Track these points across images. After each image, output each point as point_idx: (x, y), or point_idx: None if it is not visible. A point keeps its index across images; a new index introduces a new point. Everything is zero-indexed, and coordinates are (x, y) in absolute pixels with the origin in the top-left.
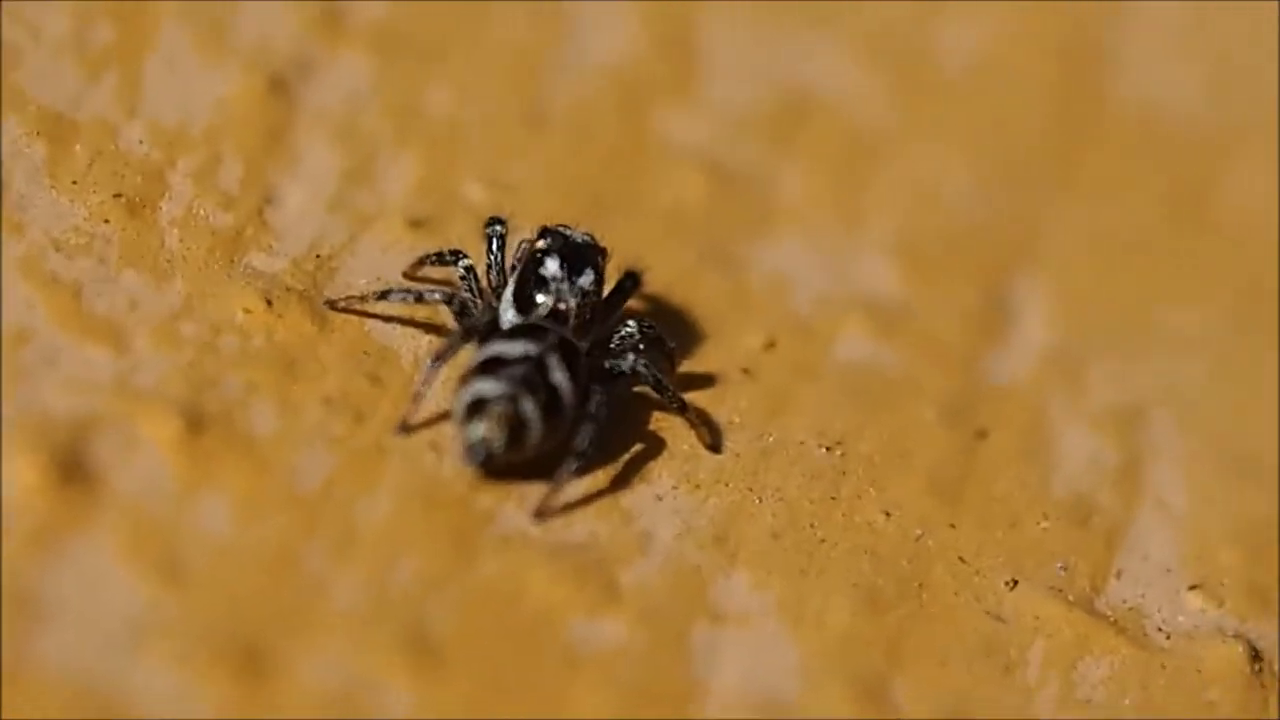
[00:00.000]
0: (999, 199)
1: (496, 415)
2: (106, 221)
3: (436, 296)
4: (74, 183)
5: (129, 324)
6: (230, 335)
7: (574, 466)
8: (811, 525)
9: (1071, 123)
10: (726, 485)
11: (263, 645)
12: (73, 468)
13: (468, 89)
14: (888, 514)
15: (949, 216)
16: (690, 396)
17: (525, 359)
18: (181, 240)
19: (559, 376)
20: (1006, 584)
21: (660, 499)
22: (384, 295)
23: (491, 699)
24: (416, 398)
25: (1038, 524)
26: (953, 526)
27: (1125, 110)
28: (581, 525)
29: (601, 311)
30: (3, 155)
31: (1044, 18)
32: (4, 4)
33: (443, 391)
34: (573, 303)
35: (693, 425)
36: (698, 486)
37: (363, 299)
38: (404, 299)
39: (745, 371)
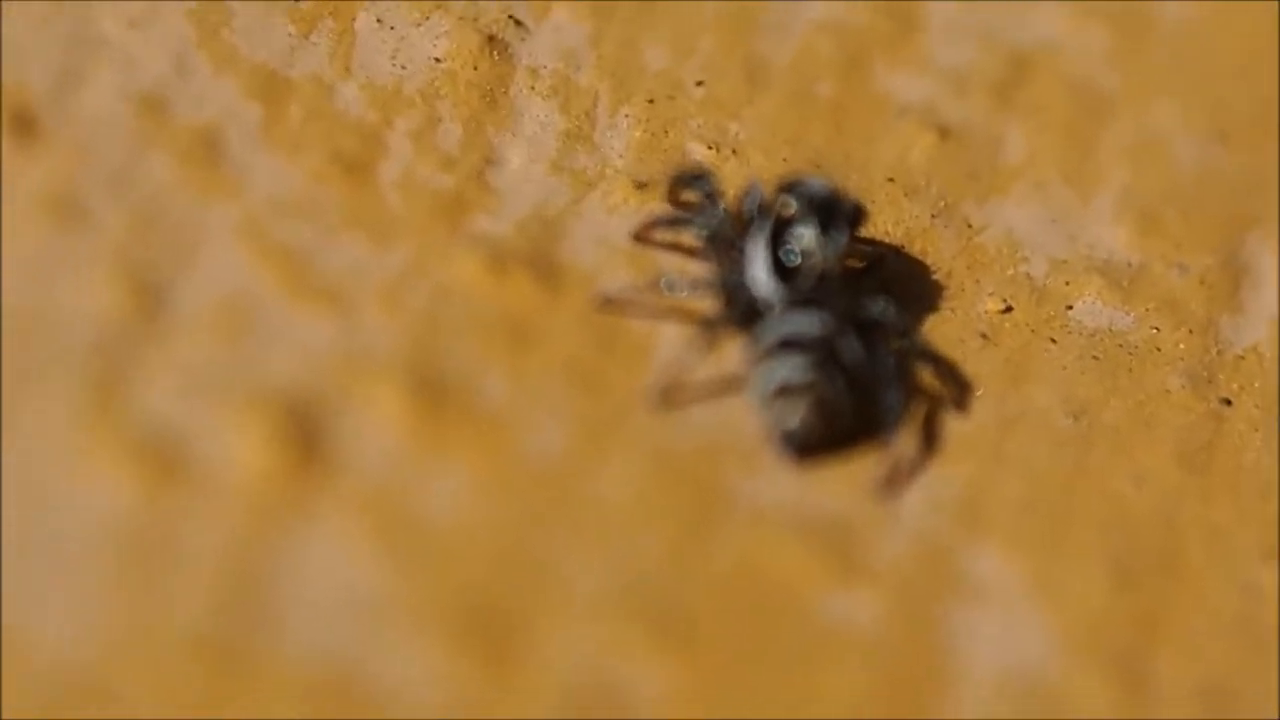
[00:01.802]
0: (1227, 156)
1: (809, 401)
2: (325, 184)
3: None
4: (289, 143)
5: (353, 290)
6: (457, 301)
7: (898, 434)
8: (1060, 498)
9: None
10: (971, 456)
11: (505, 623)
12: (303, 440)
13: (685, 46)
14: (1137, 485)
15: (1178, 175)
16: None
17: (820, 336)
18: (403, 202)
19: (854, 351)
20: (1262, 557)
21: (905, 470)
22: (661, 286)
23: (739, 677)
24: (674, 377)
25: None
26: (1204, 498)
27: None
28: (827, 499)
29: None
30: (217, 114)
31: None
32: None
33: (672, 351)
34: (834, 266)
35: (940, 381)
36: (943, 457)
37: (635, 293)
38: (681, 286)
39: (984, 337)
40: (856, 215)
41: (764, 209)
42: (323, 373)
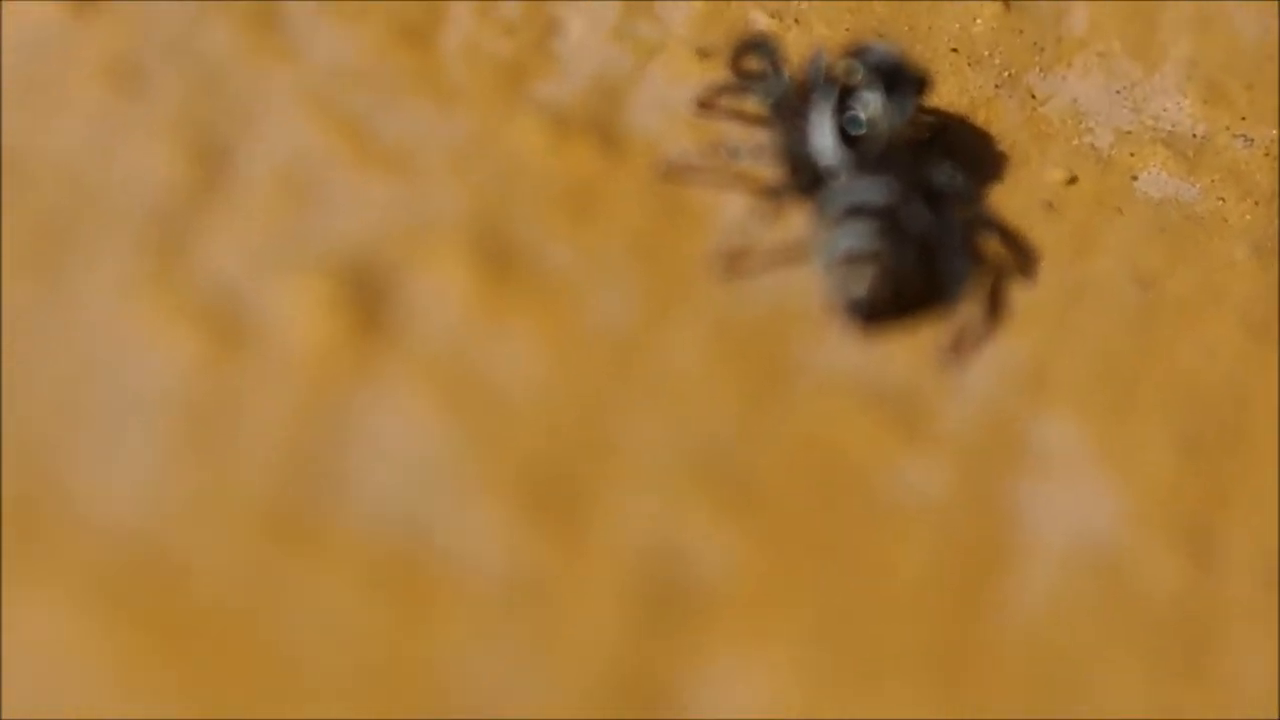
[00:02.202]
0: None
1: (878, 270)
2: (387, 52)
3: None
4: (351, 11)
5: (416, 155)
6: (520, 170)
7: (966, 303)
8: (1128, 367)
9: None
10: (1039, 326)
11: (571, 490)
12: (368, 306)
13: None
14: (1205, 355)
15: (1241, 46)
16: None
17: (887, 204)
18: (465, 70)
19: (921, 218)
20: None
21: (973, 340)
22: (727, 153)
23: (805, 549)
24: (740, 243)
25: None
26: (1270, 368)
27: None
28: (893, 369)
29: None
30: None
31: None
32: None
33: (736, 218)
34: (899, 132)
35: (1006, 249)
36: (1010, 327)
37: (700, 160)
38: (748, 153)
39: (1049, 206)
40: (922, 83)
41: (829, 76)
42: (386, 239)
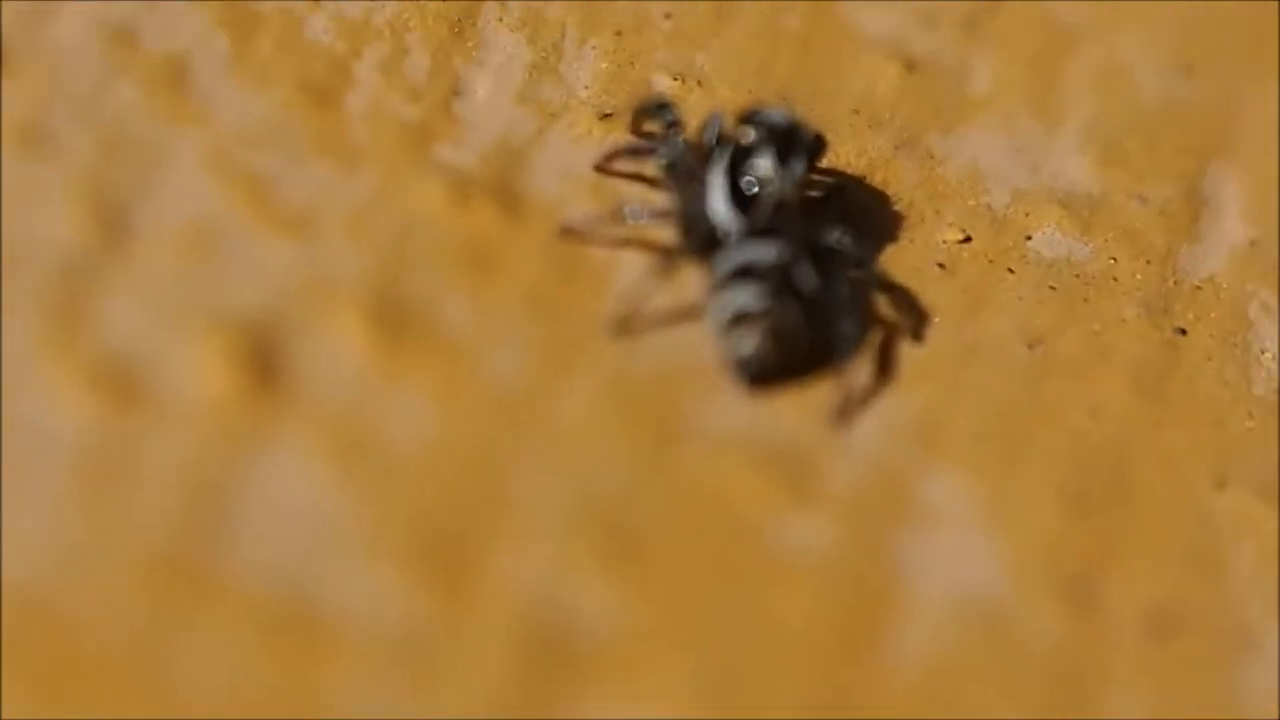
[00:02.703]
0: (1193, 89)
1: (764, 328)
2: (292, 113)
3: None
4: (258, 73)
5: (317, 216)
6: (420, 229)
7: (853, 362)
8: (1015, 425)
9: (1266, 11)
10: (927, 383)
11: (461, 544)
12: (264, 364)
13: None
14: (1091, 413)
15: (1143, 106)
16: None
17: (776, 264)
18: (369, 132)
19: (809, 278)
20: (1214, 485)
21: (861, 397)
22: (621, 215)
23: (691, 601)
24: (633, 304)
25: (1243, 423)
26: (1158, 426)
27: None
28: (782, 424)
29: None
30: (186, 45)
31: None
32: None
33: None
34: (792, 196)
35: (896, 309)
36: (899, 384)
37: (595, 223)
38: (641, 215)
39: (942, 266)
40: (817, 145)
41: (723, 138)
42: (285, 297)
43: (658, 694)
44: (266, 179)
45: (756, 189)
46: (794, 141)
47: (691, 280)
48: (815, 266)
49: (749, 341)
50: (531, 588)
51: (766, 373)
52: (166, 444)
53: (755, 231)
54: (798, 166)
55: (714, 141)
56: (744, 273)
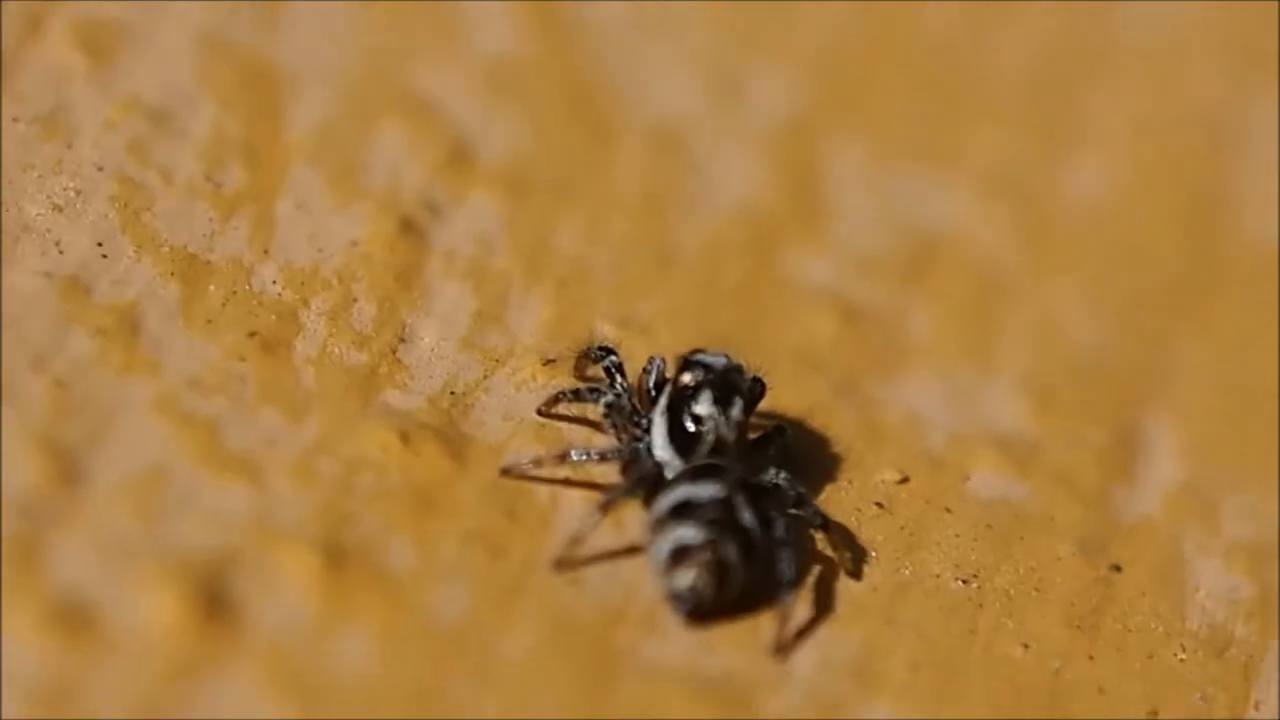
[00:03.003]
0: (1126, 336)
1: (703, 562)
2: (242, 360)
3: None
4: (208, 322)
5: (266, 461)
6: (367, 472)
7: (792, 597)
8: (950, 658)
9: (1196, 263)
10: (864, 618)
11: None
12: (214, 602)
13: (596, 228)
14: (1026, 646)
15: (1078, 354)
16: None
17: (715, 501)
18: (317, 378)
19: (747, 515)
20: (1147, 715)
21: (799, 632)
22: (563, 458)
23: None
24: (575, 542)
25: (1175, 655)
26: (1091, 659)
27: (1249, 251)
28: (721, 658)
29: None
30: (138, 295)
31: (1163, 162)
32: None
33: (574, 519)
34: (730, 435)
35: (834, 547)
36: (836, 619)
37: (537, 464)
38: (582, 457)
39: (879, 505)
40: (756, 387)
41: (663, 380)
42: (234, 538)
43: None
44: (216, 425)
45: (696, 429)
46: (732, 383)
47: (632, 521)
48: (754, 504)
49: (688, 576)
50: None
51: (705, 606)
52: (119, 676)
53: (695, 470)
54: (736, 407)
55: (655, 383)
56: (684, 509)
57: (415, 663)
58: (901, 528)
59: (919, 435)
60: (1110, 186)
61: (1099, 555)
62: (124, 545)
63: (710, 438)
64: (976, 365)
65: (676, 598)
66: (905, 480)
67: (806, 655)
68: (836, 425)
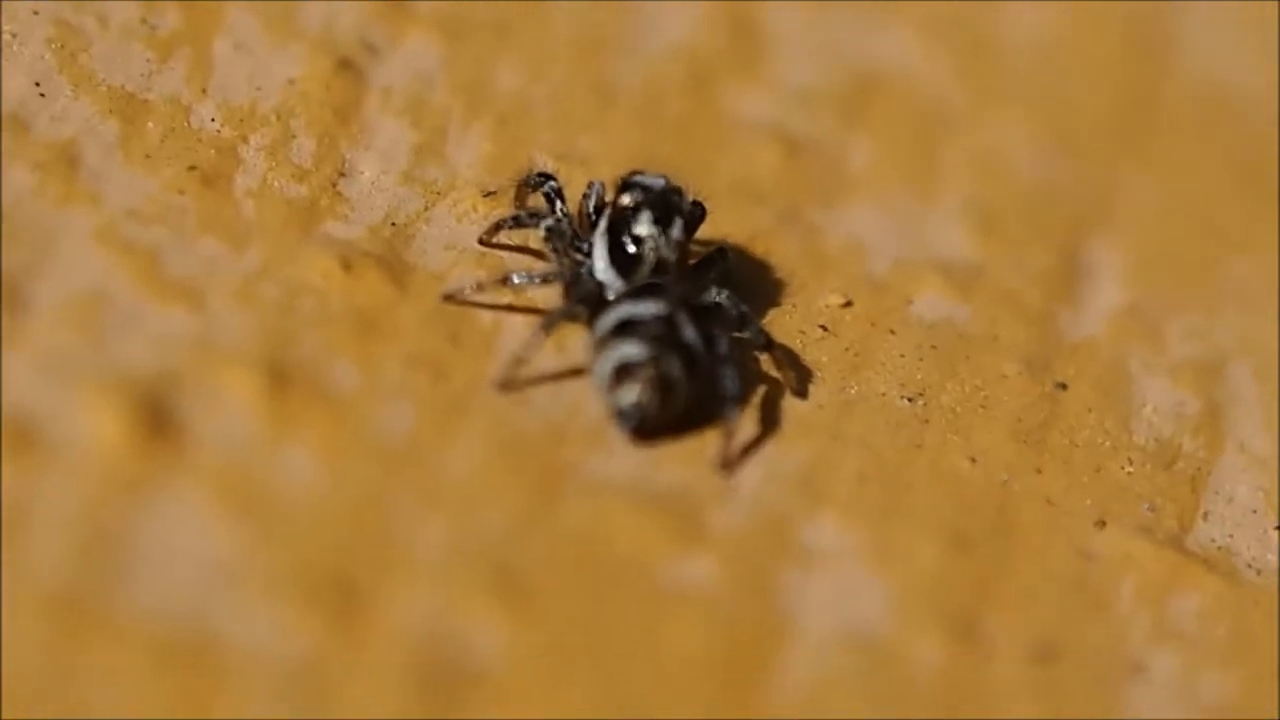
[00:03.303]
0: (1068, 167)
1: (646, 378)
2: (181, 193)
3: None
4: (147, 157)
5: (207, 286)
6: (309, 297)
7: (736, 411)
8: (896, 472)
9: (1136, 96)
10: (810, 435)
11: (352, 586)
12: (158, 421)
13: (536, 68)
14: (973, 460)
15: (1019, 184)
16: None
17: (657, 319)
18: (257, 210)
19: (690, 332)
20: (1095, 525)
21: (744, 448)
22: (505, 281)
23: (580, 638)
24: (519, 362)
25: (1122, 469)
26: (1038, 471)
27: (1188, 83)
28: (667, 473)
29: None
30: (76, 131)
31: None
32: None
33: (517, 342)
34: (671, 255)
35: (778, 365)
36: (782, 435)
37: (479, 288)
38: (524, 280)
39: (824, 329)
40: (696, 210)
41: (602, 205)
42: (176, 360)
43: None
44: (156, 253)
45: (637, 249)
46: (671, 203)
47: (575, 341)
48: (697, 322)
49: (632, 392)
50: (423, 623)
51: (650, 423)
52: (62, 494)
53: (637, 290)
54: (676, 227)
55: (594, 207)
56: (626, 327)
57: (360, 479)
58: (846, 349)
59: (862, 261)
60: (1050, 25)
61: (1044, 373)
62: (66, 366)
63: (651, 258)
64: (918, 194)
65: (621, 414)
66: (849, 304)
67: (753, 470)
68: (779, 252)
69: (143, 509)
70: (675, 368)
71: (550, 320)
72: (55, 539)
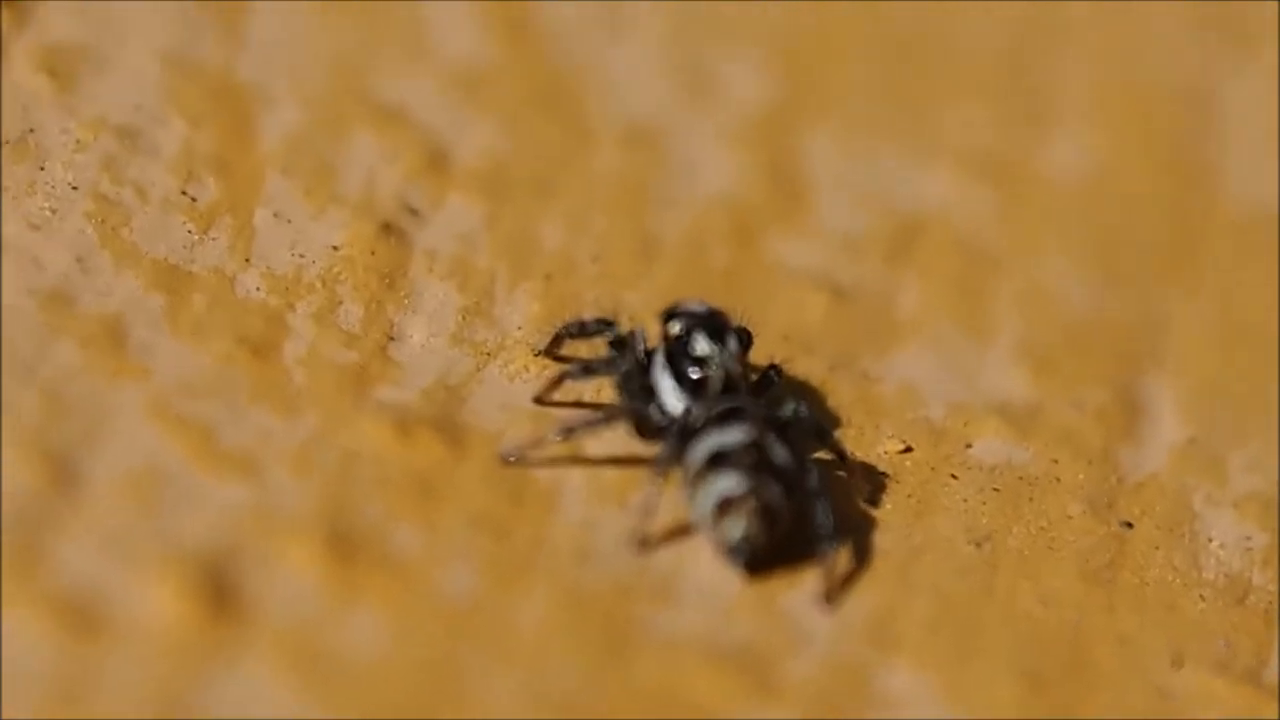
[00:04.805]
0: (1118, 299)
1: (750, 510)
2: (231, 363)
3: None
4: (195, 329)
5: (263, 456)
6: (366, 462)
7: (834, 546)
8: (968, 616)
9: (1181, 225)
10: (879, 581)
11: None
12: (221, 593)
13: (578, 223)
14: (1043, 602)
15: (1070, 319)
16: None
17: (746, 446)
18: (308, 377)
19: (780, 453)
20: (1171, 663)
21: (828, 589)
22: (567, 433)
23: None
24: (647, 512)
25: (1195, 605)
26: (1110, 611)
27: (1232, 210)
28: (739, 624)
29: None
30: (122, 305)
31: (1140, 130)
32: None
33: (578, 499)
34: (737, 370)
35: (851, 474)
36: (851, 583)
37: (538, 444)
38: (585, 424)
39: (884, 475)
40: (742, 332)
41: (649, 350)
42: (235, 532)
43: None
44: (210, 425)
45: (701, 371)
46: (722, 321)
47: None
48: (783, 442)
49: (739, 526)
50: None
51: (760, 553)
52: (128, 668)
53: (718, 416)
54: (732, 341)
55: (644, 352)
56: (718, 459)
57: (428, 641)
58: (909, 496)
59: (917, 406)
60: (1090, 157)
61: (1109, 512)
62: (125, 543)
63: (718, 375)
64: (969, 336)
65: (731, 550)
66: (908, 450)
67: (821, 620)
68: (833, 400)
69: (211, 682)
70: (776, 495)
71: (660, 463)
72: (124, 712)
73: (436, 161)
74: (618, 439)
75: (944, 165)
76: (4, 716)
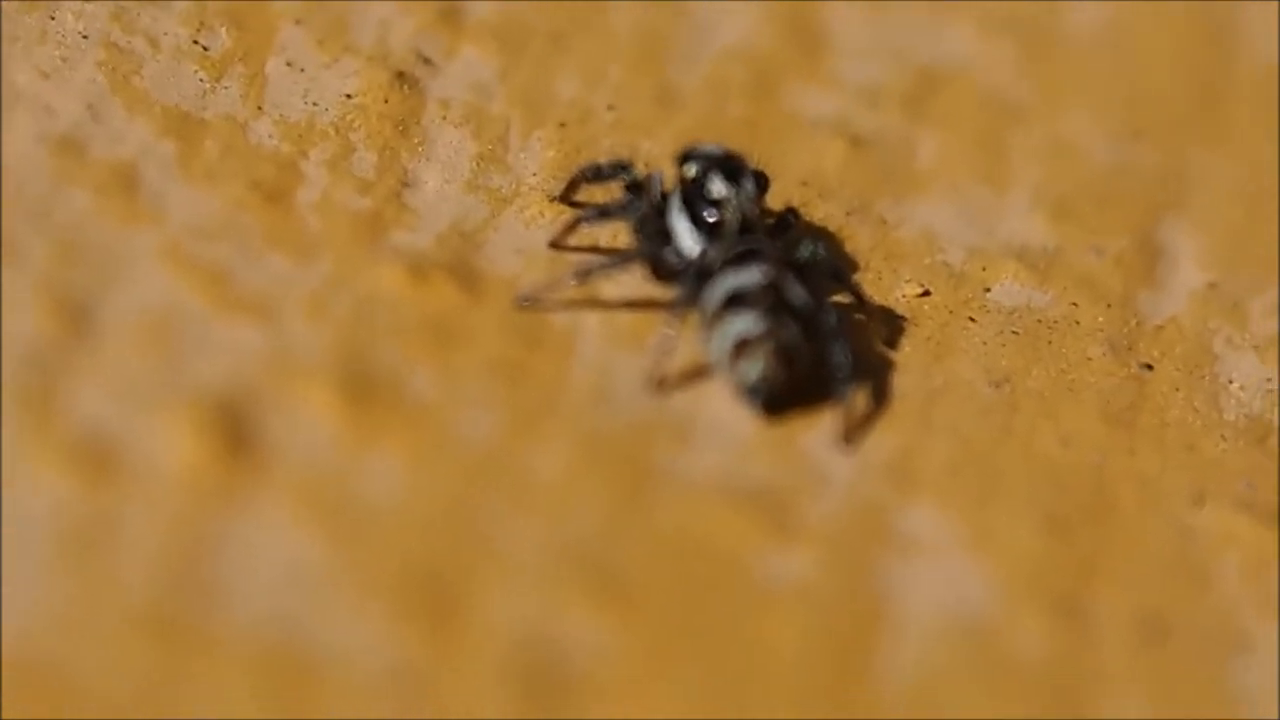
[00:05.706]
0: (1139, 152)
1: (767, 350)
2: (244, 209)
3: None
4: (208, 175)
5: (277, 301)
6: (381, 308)
7: (852, 386)
8: (988, 457)
9: (1203, 82)
10: (899, 423)
11: (446, 590)
12: (238, 436)
13: (594, 74)
14: (1064, 443)
15: (1091, 170)
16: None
17: (763, 287)
18: (322, 223)
19: (798, 293)
20: (1193, 503)
21: (848, 428)
22: (583, 276)
23: (679, 633)
24: (663, 354)
25: (1216, 446)
26: (1131, 452)
27: (1252, 67)
28: (757, 466)
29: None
30: (133, 152)
31: None
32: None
33: (595, 342)
34: (753, 212)
35: (869, 316)
36: (870, 424)
37: (553, 287)
38: (603, 266)
39: (903, 318)
40: (759, 175)
41: (664, 193)
42: (251, 375)
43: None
44: (224, 269)
45: (718, 213)
46: (736, 165)
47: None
48: (799, 282)
49: (756, 367)
50: (520, 624)
51: (777, 395)
52: (147, 512)
53: (735, 258)
54: (748, 183)
55: (659, 191)
56: (735, 300)
57: (447, 485)
58: (927, 338)
59: (935, 251)
60: (1112, 12)
61: (1128, 355)
62: (140, 388)
63: (734, 218)
64: (989, 184)
65: (748, 391)
66: (926, 294)
67: (843, 460)
68: (851, 244)
69: (229, 524)
70: (793, 335)
71: (676, 308)
72: (144, 559)
73: (450, 14)
74: (634, 282)
75: (966, 19)
76: (3, 717)
